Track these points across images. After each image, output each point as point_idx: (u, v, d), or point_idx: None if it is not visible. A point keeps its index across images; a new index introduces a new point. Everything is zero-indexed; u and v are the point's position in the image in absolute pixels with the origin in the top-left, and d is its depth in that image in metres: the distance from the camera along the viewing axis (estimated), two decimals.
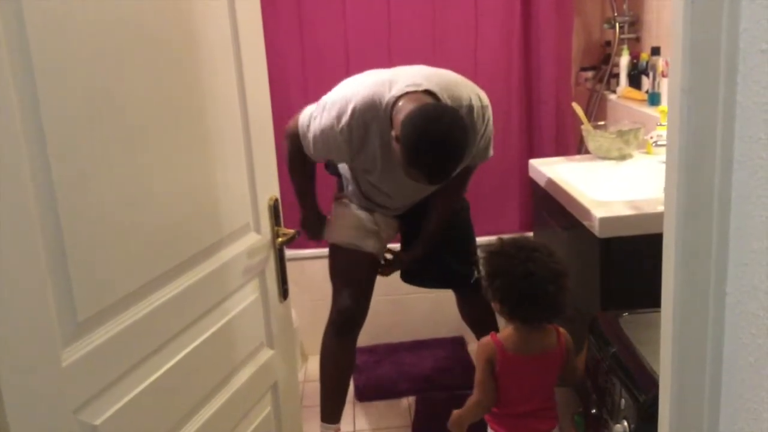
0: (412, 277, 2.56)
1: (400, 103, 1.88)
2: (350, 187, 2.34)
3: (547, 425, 1.81)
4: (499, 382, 1.77)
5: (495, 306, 1.77)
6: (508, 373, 1.76)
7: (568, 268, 1.73)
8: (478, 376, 1.80)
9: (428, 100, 1.87)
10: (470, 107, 1.99)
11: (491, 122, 2.12)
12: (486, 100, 2.08)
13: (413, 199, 2.30)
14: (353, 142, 1.99)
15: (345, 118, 1.97)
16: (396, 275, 2.53)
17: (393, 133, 1.88)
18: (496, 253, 1.77)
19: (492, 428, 1.84)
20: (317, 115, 2.06)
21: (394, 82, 1.95)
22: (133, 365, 1.12)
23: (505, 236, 1.84)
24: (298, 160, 2.22)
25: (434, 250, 2.42)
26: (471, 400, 1.82)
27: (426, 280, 2.57)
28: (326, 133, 2.02)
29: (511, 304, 1.73)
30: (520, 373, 1.77)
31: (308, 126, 2.09)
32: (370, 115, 1.95)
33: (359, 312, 2.34)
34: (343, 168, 2.33)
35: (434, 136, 1.76)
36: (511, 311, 1.74)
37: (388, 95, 1.93)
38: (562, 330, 1.81)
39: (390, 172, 2.08)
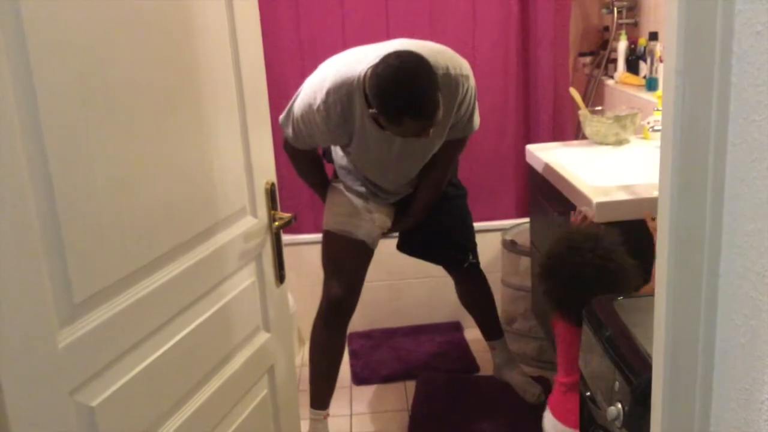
0: (407, 246, 2.58)
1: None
2: (346, 174, 2.34)
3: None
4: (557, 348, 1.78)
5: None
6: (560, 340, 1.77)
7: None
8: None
9: None
10: (446, 74, 2.01)
11: (473, 92, 2.14)
12: (467, 70, 2.10)
13: (403, 176, 2.30)
14: (331, 120, 2.02)
15: (321, 97, 2.01)
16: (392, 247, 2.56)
17: (369, 111, 1.93)
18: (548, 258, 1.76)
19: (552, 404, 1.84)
20: (296, 102, 2.10)
21: (368, 54, 1.99)
22: (130, 347, 1.13)
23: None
24: (298, 159, 2.28)
25: (432, 229, 2.42)
26: None
27: (419, 252, 2.59)
28: (306, 116, 2.06)
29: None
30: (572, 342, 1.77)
31: (287, 116, 2.13)
32: (345, 91, 1.99)
33: (349, 300, 2.35)
34: (338, 156, 2.33)
35: (400, 76, 1.83)
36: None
37: (360, 69, 1.97)
38: None
39: (372, 147, 2.12)
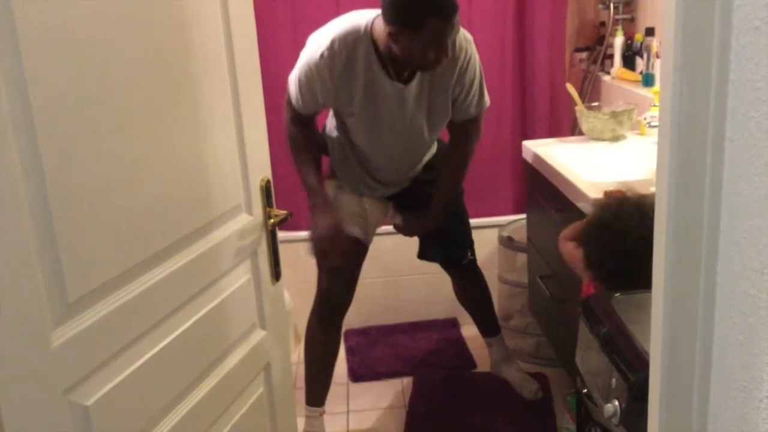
0: (428, 253, 2.57)
1: (378, 20, 1.97)
2: (342, 165, 2.32)
3: None
4: None
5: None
6: None
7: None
8: None
9: None
10: None
11: (476, 61, 2.16)
12: (470, 37, 2.14)
13: (405, 152, 2.27)
14: (335, 67, 2.02)
15: (325, 45, 2.01)
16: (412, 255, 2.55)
17: (385, 36, 1.94)
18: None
19: None
20: (301, 57, 2.10)
21: (371, 12, 2.02)
22: (125, 346, 1.12)
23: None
24: (295, 132, 2.22)
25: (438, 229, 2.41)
26: None
27: (434, 255, 2.58)
28: (309, 67, 2.05)
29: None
30: None
31: (293, 75, 2.12)
32: (351, 39, 2.01)
33: (344, 297, 2.35)
34: (335, 144, 2.31)
35: None
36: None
37: (366, 20, 2.02)
38: None
39: (377, 107, 2.10)
